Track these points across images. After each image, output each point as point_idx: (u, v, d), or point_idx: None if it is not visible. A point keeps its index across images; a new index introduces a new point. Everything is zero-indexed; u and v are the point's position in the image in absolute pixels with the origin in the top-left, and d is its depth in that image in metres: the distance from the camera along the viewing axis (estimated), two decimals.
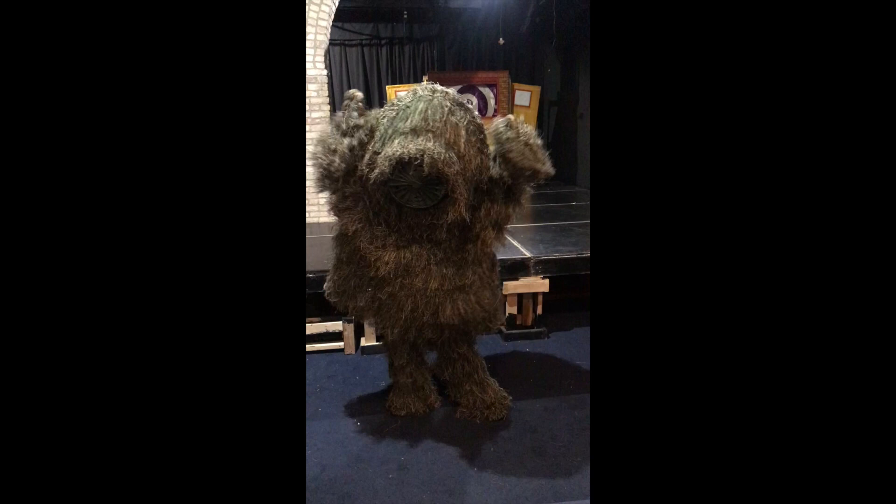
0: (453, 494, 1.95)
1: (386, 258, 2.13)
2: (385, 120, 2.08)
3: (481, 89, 7.18)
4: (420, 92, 2.07)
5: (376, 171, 1.96)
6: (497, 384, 2.53)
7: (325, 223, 4.85)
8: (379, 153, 1.98)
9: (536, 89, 7.44)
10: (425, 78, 7.27)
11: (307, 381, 2.88)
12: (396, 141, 1.94)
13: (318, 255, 3.63)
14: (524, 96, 7.43)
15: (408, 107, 2.02)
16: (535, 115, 7.44)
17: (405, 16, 6.91)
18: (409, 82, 7.90)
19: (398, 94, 1.99)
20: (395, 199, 2.01)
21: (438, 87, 2.10)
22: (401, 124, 1.99)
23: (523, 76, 7.99)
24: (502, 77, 7.25)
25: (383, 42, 8.09)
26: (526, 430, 2.35)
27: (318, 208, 4.92)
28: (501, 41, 6.88)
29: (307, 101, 4.66)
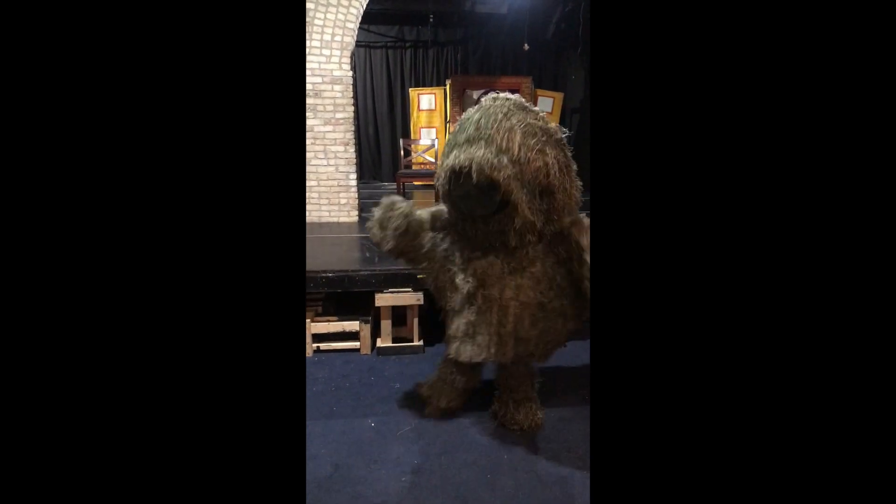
0: (466, 502, 1.94)
1: (467, 275, 2.21)
2: (449, 136, 2.19)
3: None
4: (482, 102, 2.15)
5: (439, 183, 2.13)
6: (535, 408, 2.45)
7: (347, 222, 4.88)
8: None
9: (559, 96, 7.42)
10: (448, 82, 7.29)
11: (323, 381, 2.89)
12: (453, 153, 2.05)
13: (342, 256, 3.65)
14: (546, 102, 7.42)
15: (468, 119, 2.11)
16: (557, 121, 7.42)
17: (431, 19, 6.95)
18: (432, 86, 7.94)
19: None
20: (462, 210, 2.13)
21: (503, 94, 2.15)
22: (459, 137, 2.09)
23: (546, 82, 7.98)
24: (525, 83, 7.25)
25: (407, 45, 8.14)
26: (541, 438, 2.33)
27: (343, 208, 4.95)
28: (526, 47, 6.87)
29: (332, 101, 4.70)
